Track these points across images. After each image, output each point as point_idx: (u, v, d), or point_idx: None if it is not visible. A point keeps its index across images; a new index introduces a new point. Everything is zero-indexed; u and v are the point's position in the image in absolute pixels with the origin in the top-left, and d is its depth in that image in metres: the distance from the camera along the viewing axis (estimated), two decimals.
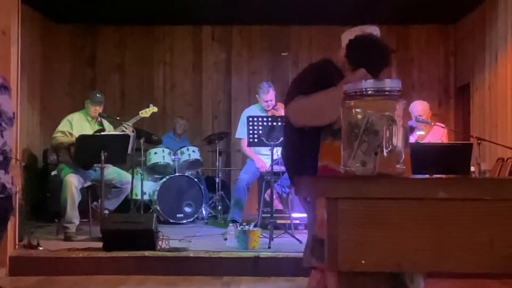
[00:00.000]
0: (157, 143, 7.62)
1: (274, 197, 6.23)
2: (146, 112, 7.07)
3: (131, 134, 6.43)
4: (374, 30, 3.21)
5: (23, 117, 6.44)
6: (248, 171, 6.79)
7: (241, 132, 6.75)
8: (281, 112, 6.57)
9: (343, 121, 1.85)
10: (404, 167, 1.83)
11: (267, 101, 6.70)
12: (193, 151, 7.68)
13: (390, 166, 1.79)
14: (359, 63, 2.85)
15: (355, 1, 7.71)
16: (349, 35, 3.18)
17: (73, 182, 5.95)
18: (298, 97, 2.87)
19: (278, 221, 6.13)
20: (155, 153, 7.56)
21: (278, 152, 6.29)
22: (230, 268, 5.07)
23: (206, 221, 7.52)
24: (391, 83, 1.86)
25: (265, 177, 6.42)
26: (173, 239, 5.55)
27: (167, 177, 7.43)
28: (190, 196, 7.39)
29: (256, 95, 6.87)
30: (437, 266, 1.72)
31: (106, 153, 5.77)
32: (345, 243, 1.69)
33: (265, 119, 6.02)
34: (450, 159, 5.02)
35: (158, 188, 7.33)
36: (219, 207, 7.74)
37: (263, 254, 5.13)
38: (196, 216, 7.43)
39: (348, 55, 2.94)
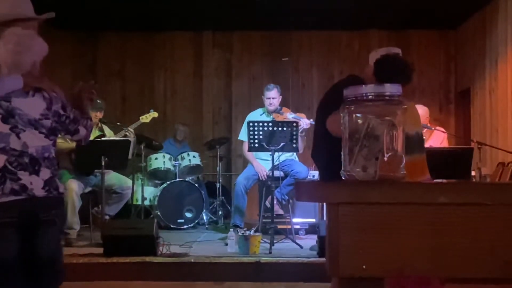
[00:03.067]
0: (157, 148, 7.62)
1: (275, 202, 6.22)
2: (146, 118, 7.06)
3: (132, 140, 6.43)
4: (398, 51, 3.64)
5: None
6: (246, 175, 6.77)
7: (244, 134, 6.72)
8: (285, 116, 6.56)
9: (344, 126, 1.85)
10: (405, 172, 1.83)
11: (269, 98, 6.70)
12: (194, 157, 7.68)
13: (391, 171, 1.79)
14: (386, 80, 2.98)
15: (355, 6, 7.72)
16: (376, 55, 3.60)
17: (74, 188, 5.95)
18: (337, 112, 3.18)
19: (279, 226, 6.12)
20: (156, 158, 7.56)
21: (279, 157, 6.30)
22: (231, 273, 5.05)
23: (206, 226, 7.50)
24: (391, 88, 1.86)
25: (266, 182, 6.41)
26: (173, 244, 5.54)
27: (168, 182, 7.42)
28: (190, 202, 7.38)
29: (262, 96, 6.87)
30: (438, 271, 1.72)
31: (106, 159, 5.76)
32: (346, 248, 1.69)
33: (265, 124, 6.01)
34: (451, 163, 5.02)
35: (158, 194, 7.32)
36: (220, 212, 7.73)
37: (264, 260, 5.12)
38: (196, 221, 7.42)
39: (375, 72, 3.25)
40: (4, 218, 2.79)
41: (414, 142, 3.21)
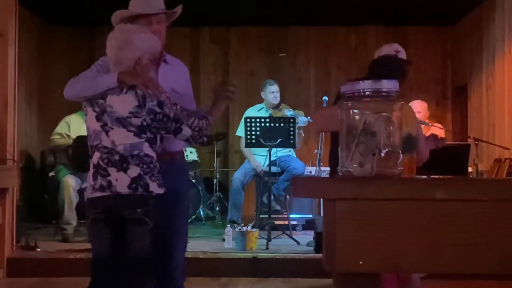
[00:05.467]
0: None
1: (272, 198, 6.23)
2: None
3: None
4: (397, 47, 3.68)
5: (20, 118, 6.43)
6: (243, 171, 6.77)
7: (241, 130, 6.71)
8: (284, 113, 6.56)
9: (341, 122, 1.85)
10: (401, 168, 1.83)
11: (273, 92, 6.74)
12: (191, 152, 7.67)
13: (388, 167, 1.79)
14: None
15: (353, 2, 7.71)
16: (378, 52, 3.69)
17: (71, 184, 5.94)
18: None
19: (276, 222, 6.12)
20: None
21: (276, 153, 6.30)
22: (228, 269, 5.06)
23: (204, 222, 7.51)
24: (388, 84, 1.86)
25: (263, 178, 6.41)
26: None
27: None
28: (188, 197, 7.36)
29: (261, 93, 6.87)
30: (434, 267, 1.72)
31: None
32: (343, 244, 1.69)
33: (262, 120, 6.01)
34: (448, 160, 5.03)
35: None
36: (217, 208, 7.73)
37: (261, 255, 5.13)
38: (194, 217, 7.42)
39: (368, 77, 3.23)
40: (93, 214, 2.90)
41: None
